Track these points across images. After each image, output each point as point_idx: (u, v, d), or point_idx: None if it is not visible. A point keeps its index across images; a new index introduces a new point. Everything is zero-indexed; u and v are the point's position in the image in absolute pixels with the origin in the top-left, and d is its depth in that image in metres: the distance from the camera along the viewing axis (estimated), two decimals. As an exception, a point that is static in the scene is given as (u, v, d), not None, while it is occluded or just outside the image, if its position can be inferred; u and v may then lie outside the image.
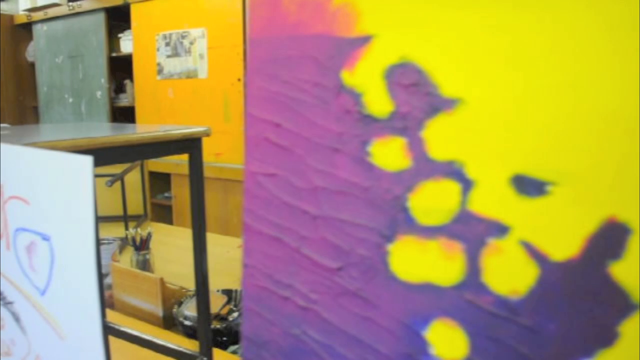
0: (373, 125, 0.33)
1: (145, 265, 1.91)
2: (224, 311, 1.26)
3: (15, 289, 0.62)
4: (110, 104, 3.24)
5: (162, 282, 1.52)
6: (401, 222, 0.34)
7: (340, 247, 0.34)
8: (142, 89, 3.07)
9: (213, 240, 1.32)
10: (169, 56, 2.96)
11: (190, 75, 2.87)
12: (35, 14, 3.76)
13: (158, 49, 3.00)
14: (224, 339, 1.18)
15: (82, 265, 0.54)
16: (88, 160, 0.51)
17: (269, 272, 0.38)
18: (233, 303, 1.24)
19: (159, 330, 1.44)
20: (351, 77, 0.34)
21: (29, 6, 3.73)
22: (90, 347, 0.56)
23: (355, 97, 0.34)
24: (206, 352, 0.89)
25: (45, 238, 0.56)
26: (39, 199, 0.56)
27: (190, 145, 0.82)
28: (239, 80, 2.73)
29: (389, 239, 0.34)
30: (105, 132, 0.85)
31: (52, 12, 3.58)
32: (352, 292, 0.34)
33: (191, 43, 2.87)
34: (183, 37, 2.89)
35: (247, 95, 0.37)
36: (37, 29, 3.76)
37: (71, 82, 3.43)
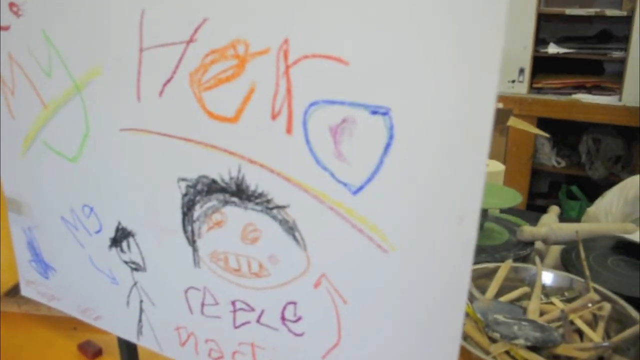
0: None
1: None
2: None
3: (295, 188, 0.45)
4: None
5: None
6: None
7: None
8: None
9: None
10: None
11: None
12: None
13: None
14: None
15: (462, 147, 0.38)
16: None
17: None
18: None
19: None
20: None
21: None
22: (446, 260, 0.41)
23: None
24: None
25: (379, 111, 0.40)
26: (376, 54, 0.39)
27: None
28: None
29: None
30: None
31: None
32: None
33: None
34: None
35: None
36: None
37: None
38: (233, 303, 0.53)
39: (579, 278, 0.83)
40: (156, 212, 0.54)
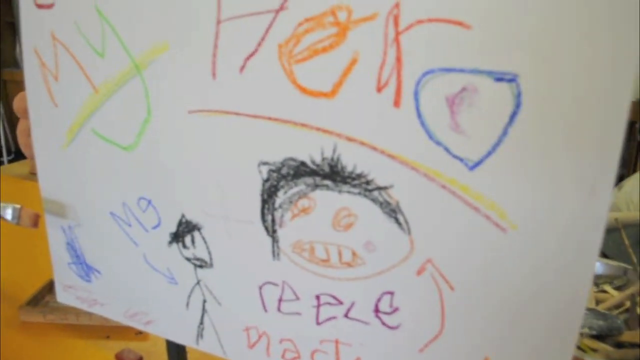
0: None
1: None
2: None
3: (400, 166, 0.42)
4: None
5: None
6: None
7: None
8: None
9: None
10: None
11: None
12: None
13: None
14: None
15: (598, 112, 0.35)
16: None
17: None
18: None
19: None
20: None
21: None
22: (573, 237, 0.38)
23: None
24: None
25: (505, 78, 0.37)
26: (504, 16, 0.36)
27: None
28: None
29: None
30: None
31: None
32: None
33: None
34: None
35: None
36: None
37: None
38: (317, 297, 0.49)
39: (625, 265, 0.82)
40: (230, 201, 0.50)
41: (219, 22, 0.46)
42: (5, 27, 3.95)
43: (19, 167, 2.01)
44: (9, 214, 0.61)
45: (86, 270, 0.63)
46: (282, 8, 0.43)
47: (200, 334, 0.57)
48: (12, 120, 3.70)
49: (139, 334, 0.77)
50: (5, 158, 3.60)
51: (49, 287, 0.89)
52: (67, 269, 0.64)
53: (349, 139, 0.43)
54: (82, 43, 0.54)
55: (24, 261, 1.00)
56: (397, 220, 0.43)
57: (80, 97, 0.55)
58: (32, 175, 1.91)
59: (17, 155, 3.72)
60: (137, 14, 0.50)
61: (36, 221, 0.60)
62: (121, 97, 0.53)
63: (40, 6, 0.56)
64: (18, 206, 0.61)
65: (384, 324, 0.47)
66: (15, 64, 3.87)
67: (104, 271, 0.62)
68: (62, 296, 0.67)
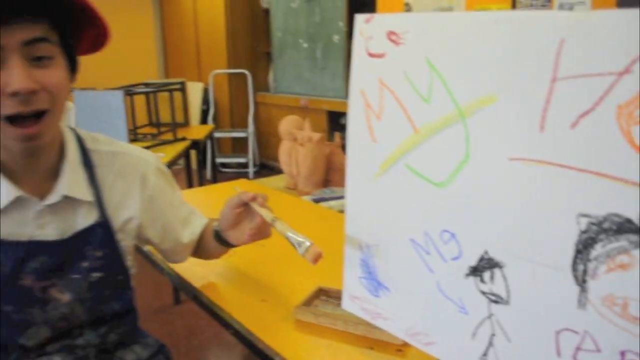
0: None
1: None
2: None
3: None
4: (348, 48, 3.10)
5: None
6: None
7: None
8: (385, 33, 2.87)
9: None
10: (418, -4, 2.73)
11: (445, 17, 2.62)
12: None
13: (406, -12, 2.77)
14: None
15: None
16: None
17: None
18: None
19: None
20: None
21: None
22: None
23: None
24: None
25: None
26: None
27: None
28: (505, 22, 2.42)
29: None
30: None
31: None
32: None
33: (445, -18, 2.60)
34: (437, -25, 2.63)
35: None
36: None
37: (306, 26, 3.34)
38: (622, 353, 0.49)
39: None
40: (540, 246, 0.52)
41: (554, 79, 0.49)
42: (261, 57, 4.53)
43: (277, 180, 2.29)
44: (298, 245, 0.77)
45: (376, 285, 0.71)
46: (626, 71, 0.45)
47: (481, 365, 0.60)
48: (260, 137, 4.21)
49: (399, 351, 0.83)
50: (251, 170, 4.10)
51: (317, 294, 1.00)
52: (358, 282, 0.73)
53: (689, 203, 0.43)
54: (408, 89, 0.62)
55: (293, 269, 1.14)
56: None
57: (399, 135, 0.63)
58: (287, 189, 2.16)
59: (261, 168, 4.21)
60: (468, 67, 0.56)
61: (317, 259, 0.75)
62: (440, 139, 0.59)
63: (372, 55, 0.66)
64: (309, 242, 0.76)
65: (699, 395, 0.45)
66: (267, 88, 4.39)
67: (393, 289, 0.69)
68: (348, 305, 0.76)
